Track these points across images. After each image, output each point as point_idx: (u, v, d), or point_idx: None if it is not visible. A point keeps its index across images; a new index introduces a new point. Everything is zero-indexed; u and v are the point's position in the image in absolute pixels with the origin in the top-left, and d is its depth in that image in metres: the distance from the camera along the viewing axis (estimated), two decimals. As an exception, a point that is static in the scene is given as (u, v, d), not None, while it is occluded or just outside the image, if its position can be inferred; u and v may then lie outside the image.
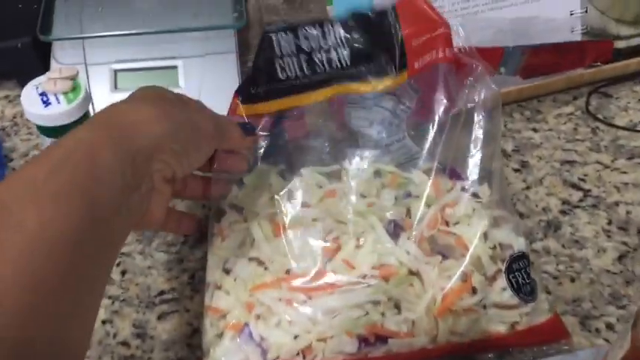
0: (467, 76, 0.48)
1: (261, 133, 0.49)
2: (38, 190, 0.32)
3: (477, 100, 0.48)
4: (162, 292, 0.51)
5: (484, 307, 0.45)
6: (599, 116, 0.65)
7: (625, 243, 0.54)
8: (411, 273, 0.44)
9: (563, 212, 0.57)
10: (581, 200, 0.58)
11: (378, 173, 0.50)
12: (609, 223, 0.55)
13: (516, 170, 0.61)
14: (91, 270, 0.34)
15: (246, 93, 0.48)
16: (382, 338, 0.43)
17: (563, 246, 0.54)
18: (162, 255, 0.54)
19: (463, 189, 0.49)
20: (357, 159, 0.51)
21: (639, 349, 0.34)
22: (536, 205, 0.58)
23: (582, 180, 0.59)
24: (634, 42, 0.68)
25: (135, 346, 0.48)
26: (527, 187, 0.59)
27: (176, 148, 0.39)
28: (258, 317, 0.43)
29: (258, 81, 0.47)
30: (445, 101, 0.47)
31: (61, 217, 0.31)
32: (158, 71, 0.64)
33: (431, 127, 0.49)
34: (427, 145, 0.49)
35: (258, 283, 0.44)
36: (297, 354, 0.42)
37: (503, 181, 0.53)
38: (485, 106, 0.49)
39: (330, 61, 0.47)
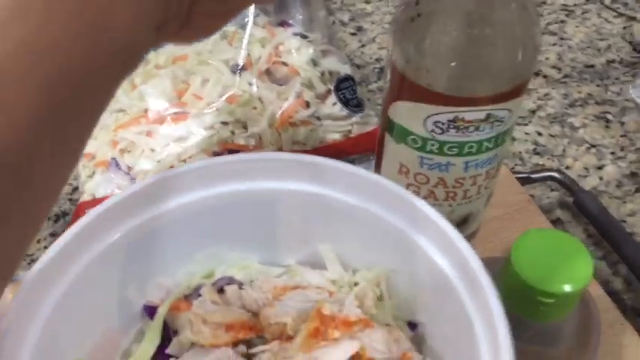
0: None
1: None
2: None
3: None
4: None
5: (318, 118, 0.53)
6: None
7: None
8: (254, 98, 0.52)
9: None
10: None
11: (224, 34, 0.57)
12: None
13: (352, 34, 0.69)
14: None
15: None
16: (234, 152, 0.50)
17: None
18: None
19: (293, 34, 0.56)
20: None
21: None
22: (370, 58, 0.66)
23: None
24: None
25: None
26: (362, 45, 0.68)
27: None
28: (123, 151, 0.50)
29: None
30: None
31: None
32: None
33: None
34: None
35: (120, 124, 0.51)
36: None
37: (329, 26, 0.61)
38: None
39: None
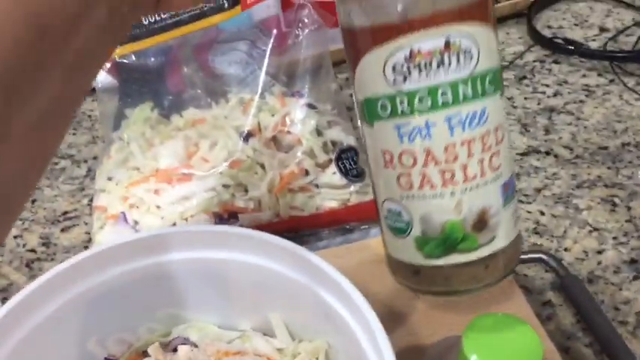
0: (296, 9, 0.60)
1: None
2: None
3: (305, 33, 0.60)
4: (65, 212, 0.61)
5: (317, 186, 0.56)
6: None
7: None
8: (256, 164, 0.55)
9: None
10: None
11: (241, 101, 0.62)
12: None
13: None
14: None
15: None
16: (234, 214, 0.53)
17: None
18: (67, 186, 0.64)
19: (303, 104, 0.60)
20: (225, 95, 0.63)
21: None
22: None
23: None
24: None
25: (40, 252, 0.58)
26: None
27: None
28: (131, 206, 0.54)
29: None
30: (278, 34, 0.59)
31: None
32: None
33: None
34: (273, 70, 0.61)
35: (132, 181, 0.55)
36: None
37: (339, 94, 0.64)
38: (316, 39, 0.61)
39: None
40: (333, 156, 0.57)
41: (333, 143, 0.58)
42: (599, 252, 0.56)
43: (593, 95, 0.73)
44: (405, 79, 0.31)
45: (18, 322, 0.30)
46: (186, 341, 0.34)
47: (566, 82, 0.75)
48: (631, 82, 0.74)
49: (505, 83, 0.75)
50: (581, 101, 0.72)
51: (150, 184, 0.54)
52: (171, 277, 0.34)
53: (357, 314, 0.30)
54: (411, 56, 0.30)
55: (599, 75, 0.75)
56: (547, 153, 0.66)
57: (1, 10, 0.22)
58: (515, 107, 0.72)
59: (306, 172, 0.55)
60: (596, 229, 0.58)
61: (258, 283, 0.34)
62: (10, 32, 0.22)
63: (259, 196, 0.54)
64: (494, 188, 0.34)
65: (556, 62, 0.78)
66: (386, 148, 0.33)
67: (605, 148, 0.66)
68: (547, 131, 0.68)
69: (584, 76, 0.75)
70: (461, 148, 0.32)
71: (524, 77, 0.76)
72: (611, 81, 0.74)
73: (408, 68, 0.31)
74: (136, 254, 0.33)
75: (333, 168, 0.57)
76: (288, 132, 0.57)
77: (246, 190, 0.55)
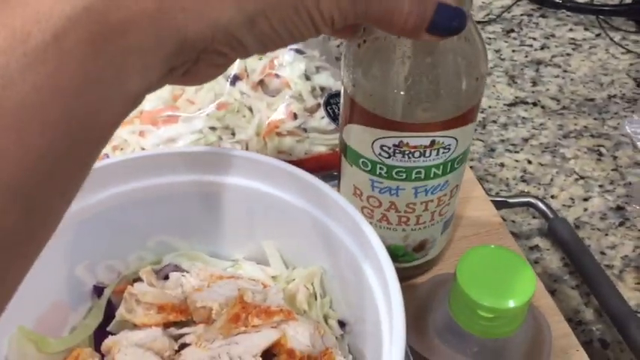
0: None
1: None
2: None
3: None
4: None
5: (305, 130, 0.55)
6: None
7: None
8: (244, 107, 0.54)
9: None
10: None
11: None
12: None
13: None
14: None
15: None
16: (220, 157, 0.52)
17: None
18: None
19: (290, 49, 0.59)
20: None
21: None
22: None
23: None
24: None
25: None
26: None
27: (247, 42, 0.24)
28: (115, 148, 0.52)
29: None
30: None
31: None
32: None
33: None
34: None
35: (116, 123, 0.53)
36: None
37: (327, 42, 0.63)
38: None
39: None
40: (321, 100, 0.56)
41: (322, 88, 0.57)
42: (586, 199, 0.56)
43: (579, 49, 0.72)
44: (389, 156, 0.35)
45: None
46: (177, 268, 0.34)
47: (553, 35, 0.74)
48: (617, 36, 0.74)
49: (493, 36, 0.74)
50: (568, 54, 0.72)
51: (134, 126, 0.53)
52: (161, 203, 0.33)
53: (358, 235, 0.29)
54: (399, 145, 0.34)
55: (586, 29, 0.75)
56: (534, 104, 0.66)
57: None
58: (502, 59, 0.71)
59: (295, 116, 0.54)
60: (582, 177, 0.58)
61: (252, 209, 0.33)
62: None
63: (247, 139, 0.53)
64: (438, 227, 0.41)
65: (543, 16, 0.77)
66: (358, 186, 0.38)
67: (592, 99, 0.66)
68: (534, 83, 0.68)
69: (571, 30, 0.75)
70: (420, 205, 0.38)
71: (512, 30, 0.75)
72: (598, 35, 0.74)
73: (394, 151, 0.34)
74: (127, 175, 0.32)
75: (321, 112, 0.56)
76: (276, 75, 0.56)
77: (234, 134, 0.53)
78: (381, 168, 0.36)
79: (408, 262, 0.43)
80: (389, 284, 0.26)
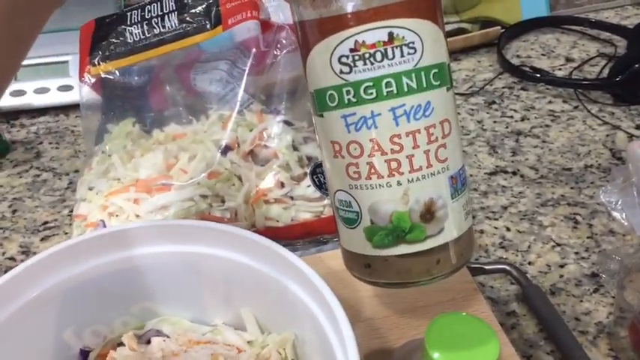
0: (275, 31, 0.63)
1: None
2: None
3: (282, 54, 0.63)
4: (45, 222, 0.62)
5: (292, 198, 0.58)
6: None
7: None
8: (234, 176, 0.57)
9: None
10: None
11: (220, 117, 0.64)
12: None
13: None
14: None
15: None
16: (210, 223, 0.55)
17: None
18: (48, 198, 0.65)
19: (279, 121, 0.62)
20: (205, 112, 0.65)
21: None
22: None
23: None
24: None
25: (20, 260, 0.59)
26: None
27: None
28: (111, 215, 0.55)
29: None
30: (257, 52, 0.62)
31: None
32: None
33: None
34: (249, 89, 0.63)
35: (112, 191, 0.57)
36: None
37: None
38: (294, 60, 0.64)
39: (164, 25, 0.61)
40: (308, 170, 0.59)
41: (309, 158, 0.60)
42: (562, 266, 0.59)
43: (558, 120, 0.76)
44: (350, 69, 0.32)
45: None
46: (159, 333, 0.36)
47: (533, 107, 0.78)
48: (594, 108, 0.77)
49: (475, 107, 0.78)
50: (546, 125, 0.75)
51: (130, 194, 0.56)
52: (144, 271, 0.35)
53: (323, 304, 0.31)
54: (356, 48, 0.31)
55: (564, 101, 0.79)
56: (514, 173, 0.69)
57: None
58: (484, 130, 0.75)
59: (282, 185, 0.57)
60: (558, 245, 0.61)
61: (229, 277, 0.35)
62: None
63: (236, 206, 0.56)
64: (441, 180, 0.35)
65: (524, 89, 0.81)
66: (335, 139, 0.34)
67: (569, 169, 0.69)
68: (514, 153, 0.71)
69: (550, 102, 0.79)
70: (406, 138, 0.33)
71: (494, 102, 0.79)
72: (576, 107, 0.78)
73: (353, 59, 0.32)
74: (109, 247, 0.34)
75: (307, 181, 0.59)
76: (265, 146, 0.59)
77: (223, 201, 0.56)
78: (347, 92, 0.33)
79: (420, 241, 0.35)
80: (346, 342, 0.28)
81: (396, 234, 0.35)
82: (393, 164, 0.34)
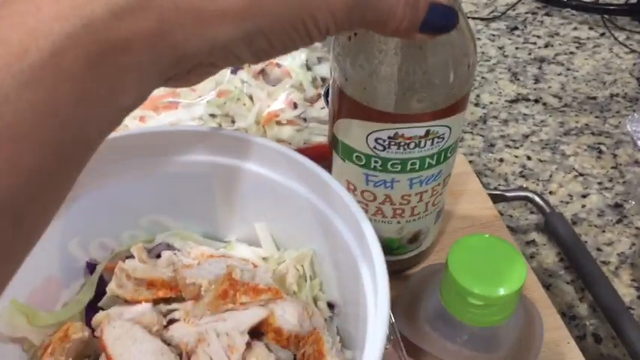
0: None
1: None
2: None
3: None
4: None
5: (305, 120, 0.55)
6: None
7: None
8: (244, 95, 0.54)
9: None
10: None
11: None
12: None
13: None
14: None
15: None
16: (219, 144, 0.53)
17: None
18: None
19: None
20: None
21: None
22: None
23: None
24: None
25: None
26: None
27: (243, 56, 0.24)
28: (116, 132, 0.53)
29: None
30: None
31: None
32: None
33: None
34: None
35: (117, 108, 0.54)
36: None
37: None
38: None
39: None
40: (322, 91, 0.56)
41: (323, 79, 0.57)
42: (584, 196, 0.56)
43: (583, 47, 0.72)
44: (384, 149, 0.35)
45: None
46: (169, 247, 0.34)
47: (557, 34, 0.74)
48: (622, 36, 0.74)
49: (497, 33, 0.74)
50: (571, 53, 0.72)
51: (135, 111, 0.53)
52: (156, 180, 0.33)
53: (348, 219, 0.29)
54: (394, 137, 0.34)
55: (590, 28, 0.75)
56: (536, 101, 0.66)
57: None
58: (506, 56, 0.71)
59: (295, 106, 0.55)
60: (581, 174, 0.58)
61: (247, 191, 0.33)
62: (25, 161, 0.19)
63: (246, 126, 0.53)
64: (432, 217, 0.41)
65: (548, 15, 0.77)
66: (351, 181, 0.38)
67: (594, 98, 0.66)
68: (537, 80, 0.68)
69: (575, 28, 0.75)
70: (415, 196, 0.38)
71: (516, 28, 0.75)
72: (602, 34, 0.74)
73: (389, 143, 0.34)
74: (119, 153, 0.32)
75: (321, 103, 0.56)
76: (277, 65, 0.56)
77: (233, 122, 0.54)
78: (375, 161, 0.36)
79: (402, 254, 0.43)
80: (376, 271, 0.26)
81: (384, 249, 0.34)
82: (398, 211, 0.39)
